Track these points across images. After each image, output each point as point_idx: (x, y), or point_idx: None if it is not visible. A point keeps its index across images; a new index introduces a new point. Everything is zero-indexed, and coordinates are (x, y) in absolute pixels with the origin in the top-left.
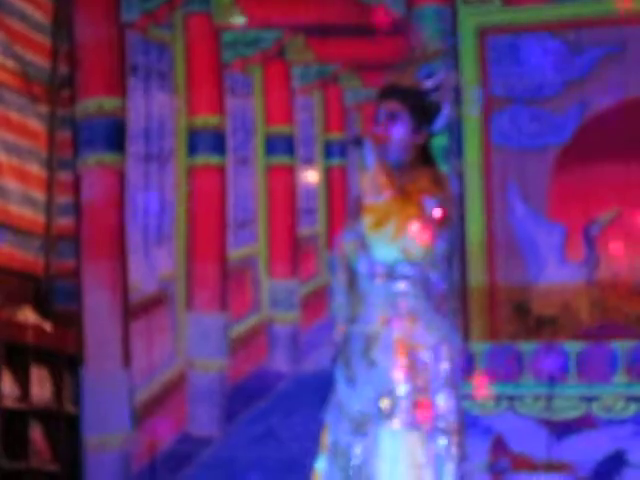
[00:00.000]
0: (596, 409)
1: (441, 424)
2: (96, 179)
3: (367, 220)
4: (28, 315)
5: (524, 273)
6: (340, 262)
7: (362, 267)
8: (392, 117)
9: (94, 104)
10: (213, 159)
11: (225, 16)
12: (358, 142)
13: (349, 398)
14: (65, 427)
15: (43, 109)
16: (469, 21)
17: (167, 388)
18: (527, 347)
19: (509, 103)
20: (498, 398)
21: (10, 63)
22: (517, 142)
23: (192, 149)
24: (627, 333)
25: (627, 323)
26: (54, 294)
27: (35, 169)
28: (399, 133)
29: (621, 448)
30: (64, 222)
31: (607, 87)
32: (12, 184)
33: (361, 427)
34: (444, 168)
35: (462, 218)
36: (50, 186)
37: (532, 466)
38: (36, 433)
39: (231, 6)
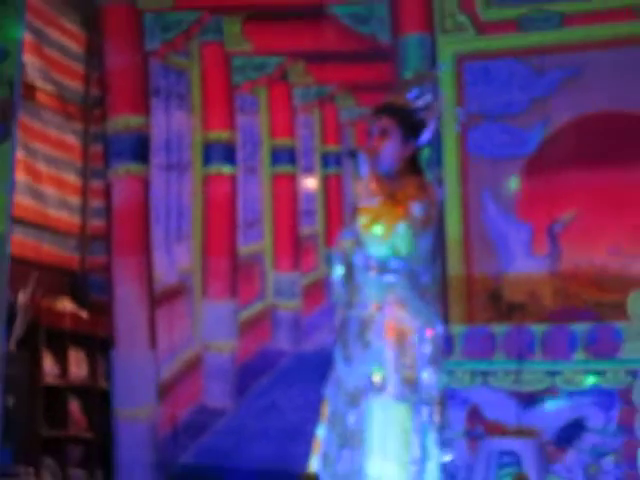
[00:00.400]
0: (559, 382)
1: (425, 396)
2: (124, 186)
3: (361, 221)
4: (66, 305)
5: (496, 265)
6: (339, 257)
7: (358, 261)
8: (384, 132)
9: (122, 121)
10: (225, 168)
11: (235, 44)
12: (353, 154)
13: (346, 374)
14: (99, 401)
15: (78, 126)
16: (447, 48)
17: (186, 367)
18: (499, 329)
19: (482, 119)
20: (473, 373)
21: (49, 87)
22: (490, 153)
23: (207, 160)
24: (585, 316)
25: (585, 308)
26: (88, 286)
27: (71, 178)
28: (390, 146)
29: (580, 415)
30: (96, 224)
31: (567, 105)
32: (51, 191)
33: (355, 399)
34: (429, 176)
35: (442, 219)
36: (84, 192)
37: (503, 432)
38: (74, 406)
39: (240, 36)
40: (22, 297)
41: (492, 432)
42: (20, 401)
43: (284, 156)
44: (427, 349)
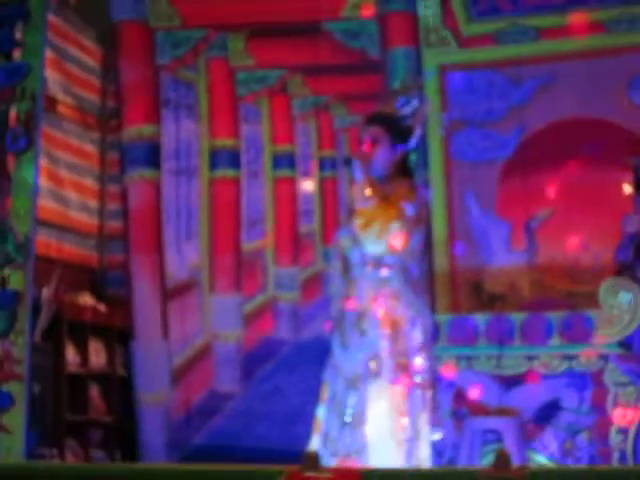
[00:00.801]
0: (536, 366)
1: (417, 380)
2: (139, 190)
3: (357, 222)
4: (86, 299)
5: (478, 259)
6: (336, 253)
7: (355, 258)
8: (374, 140)
9: (136, 131)
10: (230, 173)
11: (238, 59)
12: (348, 162)
13: (344, 361)
14: (117, 387)
15: (95, 136)
16: (431, 61)
17: (197, 355)
18: (481, 318)
19: (464, 125)
20: (459, 358)
21: (69, 100)
22: (471, 157)
23: (213, 165)
24: (560, 306)
25: (560, 298)
26: (106, 282)
27: (90, 183)
28: (380, 153)
29: (556, 396)
30: (113, 225)
31: (541, 112)
32: (72, 195)
33: (353, 383)
34: (418, 179)
35: (429, 218)
36: (102, 196)
37: (486, 412)
38: (94, 392)
39: (243, 51)
40: (46, 293)
41: (475, 412)
42: (45, 388)
43: (284, 161)
44: (418, 337)
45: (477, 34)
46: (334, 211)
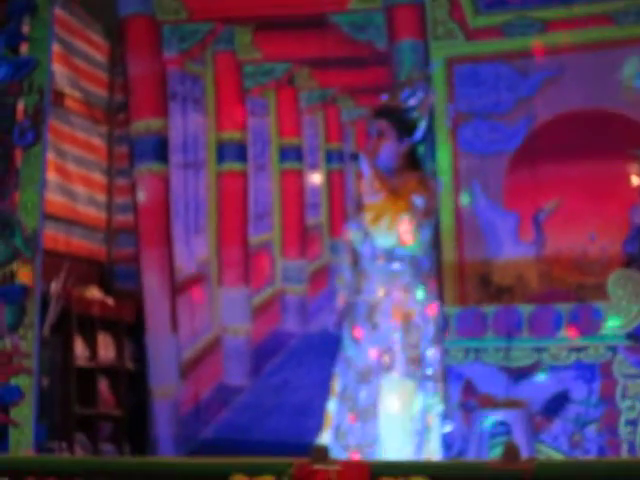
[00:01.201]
0: (544, 358)
1: (429, 373)
2: (147, 184)
3: (367, 216)
4: (94, 293)
5: (486, 251)
6: (345, 246)
7: (366, 251)
8: (380, 133)
9: (144, 125)
10: (237, 166)
11: (245, 52)
12: (355, 157)
13: (355, 353)
14: (126, 381)
15: (103, 129)
16: (439, 53)
17: (207, 348)
18: (489, 310)
19: (472, 117)
20: (467, 351)
21: (77, 94)
22: (479, 148)
23: (220, 158)
24: (568, 297)
25: (568, 290)
26: (115, 276)
27: (98, 177)
28: (387, 146)
29: (565, 388)
30: (122, 218)
31: (549, 103)
32: (80, 189)
33: (366, 376)
34: (426, 171)
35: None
36: (110, 190)
37: (494, 404)
38: (103, 386)
39: (250, 45)
40: (55, 286)
41: (484, 404)
42: (54, 382)
43: (291, 154)
44: (430, 330)
45: (484, 26)
46: (341, 204)
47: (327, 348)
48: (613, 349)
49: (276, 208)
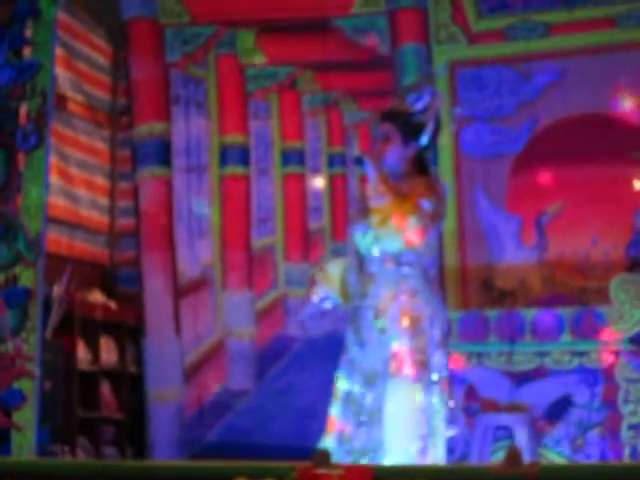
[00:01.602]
0: (547, 362)
1: (435, 377)
2: (150, 188)
3: (374, 219)
4: (97, 296)
5: (488, 255)
6: (350, 250)
7: (375, 255)
8: (386, 137)
9: (146, 128)
10: (240, 170)
11: (248, 56)
12: (359, 161)
13: (361, 357)
14: (128, 384)
15: (106, 133)
16: (441, 57)
17: (211, 352)
18: (492, 314)
19: (474, 121)
20: (469, 355)
21: (79, 97)
22: (481, 152)
23: (223, 162)
24: (571, 301)
25: (571, 294)
26: (117, 279)
27: (100, 180)
28: (392, 150)
29: (567, 392)
30: (124, 222)
31: (552, 107)
32: (82, 192)
33: (371, 380)
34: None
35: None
36: (112, 193)
37: (497, 408)
38: (105, 389)
39: (253, 48)
40: (57, 290)
41: (487, 409)
42: (56, 385)
43: (294, 157)
44: (437, 334)
45: (487, 30)
46: (344, 208)
47: (330, 352)
48: (616, 353)
49: (279, 212)
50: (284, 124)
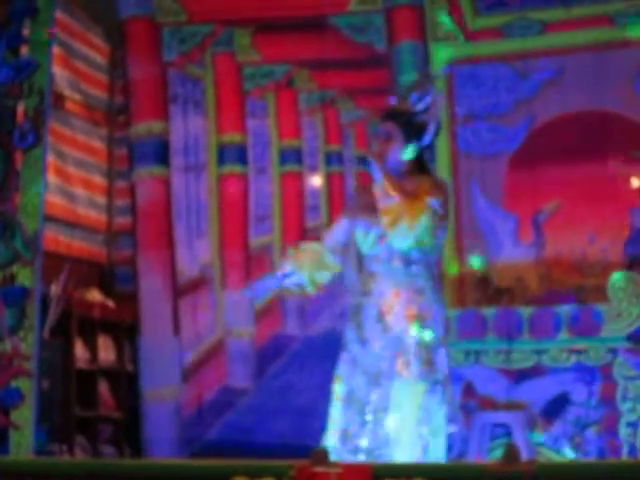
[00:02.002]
0: (545, 360)
1: (439, 376)
2: (148, 187)
3: (384, 220)
4: (95, 295)
5: (485, 253)
6: (332, 241)
7: (382, 254)
8: (389, 136)
9: (144, 127)
10: (237, 168)
11: (245, 54)
12: (364, 161)
13: (363, 356)
14: (126, 383)
15: (103, 132)
16: (438, 54)
17: (211, 351)
18: (489, 312)
19: (471, 119)
20: (467, 353)
21: (77, 96)
22: (478, 150)
23: (221, 161)
24: (568, 299)
25: (568, 292)
26: (115, 278)
27: (98, 179)
28: (394, 149)
29: (565, 390)
30: (121, 221)
31: (549, 105)
32: (80, 191)
33: (376, 379)
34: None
35: None
36: (110, 192)
37: (495, 406)
38: (103, 388)
39: (249, 47)
40: (55, 288)
41: (484, 406)
42: (54, 384)
43: (291, 156)
44: (440, 332)
45: (484, 28)
46: (341, 206)
47: (329, 351)
48: (613, 351)
49: (276, 210)
50: (281, 122)
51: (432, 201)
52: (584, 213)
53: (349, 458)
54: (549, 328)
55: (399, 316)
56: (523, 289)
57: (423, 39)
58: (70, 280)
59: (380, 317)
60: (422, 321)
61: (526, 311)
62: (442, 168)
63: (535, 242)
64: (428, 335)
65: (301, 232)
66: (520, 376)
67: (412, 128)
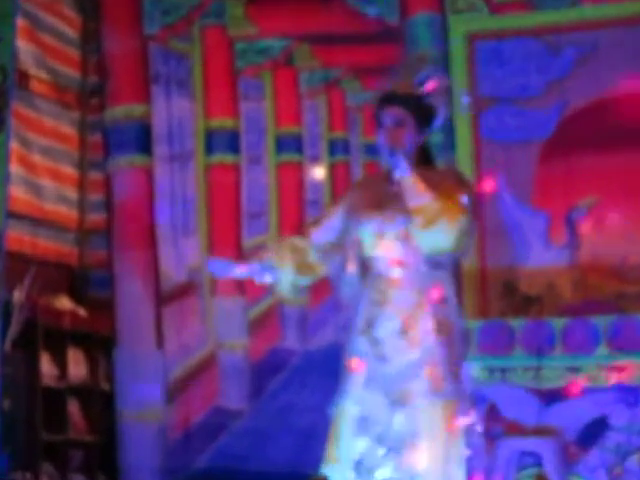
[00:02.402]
0: (580, 379)
1: (464, 393)
2: (127, 178)
3: (417, 220)
4: (64, 302)
5: (512, 256)
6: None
7: (407, 258)
8: (400, 123)
9: (122, 110)
10: (228, 158)
11: (238, 27)
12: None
13: (383, 374)
14: (100, 402)
15: (74, 115)
16: (458, 28)
17: (199, 366)
18: (517, 323)
19: (496, 102)
20: (491, 370)
21: (44, 74)
22: (504, 137)
23: (209, 149)
24: (607, 309)
25: (606, 300)
26: (87, 282)
27: (68, 169)
28: (407, 137)
29: (604, 413)
30: (95, 217)
31: (584, 86)
32: (47, 183)
33: (401, 399)
34: (439, 163)
35: None
36: (82, 185)
37: (523, 431)
38: (73, 408)
39: (243, 18)
40: (18, 294)
41: (511, 432)
42: (17, 404)
43: (290, 144)
44: (463, 344)
45: None
46: None
47: (332, 366)
48: None
49: (272, 206)
50: (279, 106)
51: (464, 199)
52: (624, 210)
53: None
54: (585, 342)
55: (425, 328)
56: (555, 297)
57: (441, 11)
58: (35, 285)
59: (403, 330)
60: (449, 332)
61: (558, 322)
62: (462, 158)
63: (568, 244)
64: (454, 347)
65: (300, 230)
66: (552, 397)
67: (423, 113)
